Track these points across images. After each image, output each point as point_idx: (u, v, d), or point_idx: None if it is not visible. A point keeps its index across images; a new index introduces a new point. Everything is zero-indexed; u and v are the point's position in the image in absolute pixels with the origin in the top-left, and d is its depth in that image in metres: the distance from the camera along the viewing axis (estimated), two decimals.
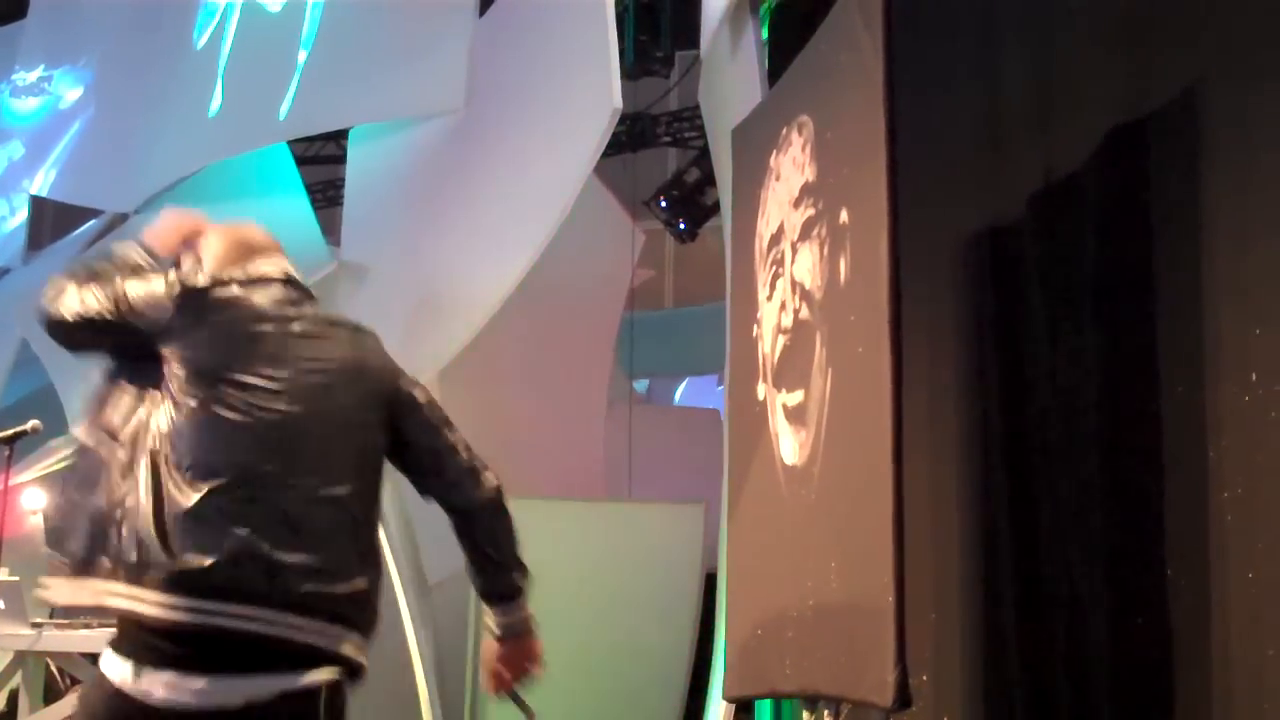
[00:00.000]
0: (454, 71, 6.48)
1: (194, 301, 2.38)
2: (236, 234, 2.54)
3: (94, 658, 2.32)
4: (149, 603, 2.20)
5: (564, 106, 5.98)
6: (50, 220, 9.86)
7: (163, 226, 2.60)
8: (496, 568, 2.56)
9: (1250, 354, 2.60)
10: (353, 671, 2.33)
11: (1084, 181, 3.18)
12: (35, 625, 4.93)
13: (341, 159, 8.32)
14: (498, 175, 6.24)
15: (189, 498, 2.23)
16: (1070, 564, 3.12)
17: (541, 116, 6.15)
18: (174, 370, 2.33)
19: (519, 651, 2.60)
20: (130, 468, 2.28)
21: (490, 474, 2.56)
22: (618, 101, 5.49)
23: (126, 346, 2.41)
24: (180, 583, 2.19)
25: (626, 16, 7.82)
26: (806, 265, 3.59)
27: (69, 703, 4.93)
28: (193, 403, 2.30)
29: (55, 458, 7.38)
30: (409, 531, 6.18)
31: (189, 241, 2.57)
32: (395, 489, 5.70)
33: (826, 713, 3.98)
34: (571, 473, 7.35)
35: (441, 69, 6.57)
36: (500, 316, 6.04)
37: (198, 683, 2.18)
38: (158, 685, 2.19)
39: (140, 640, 2.22)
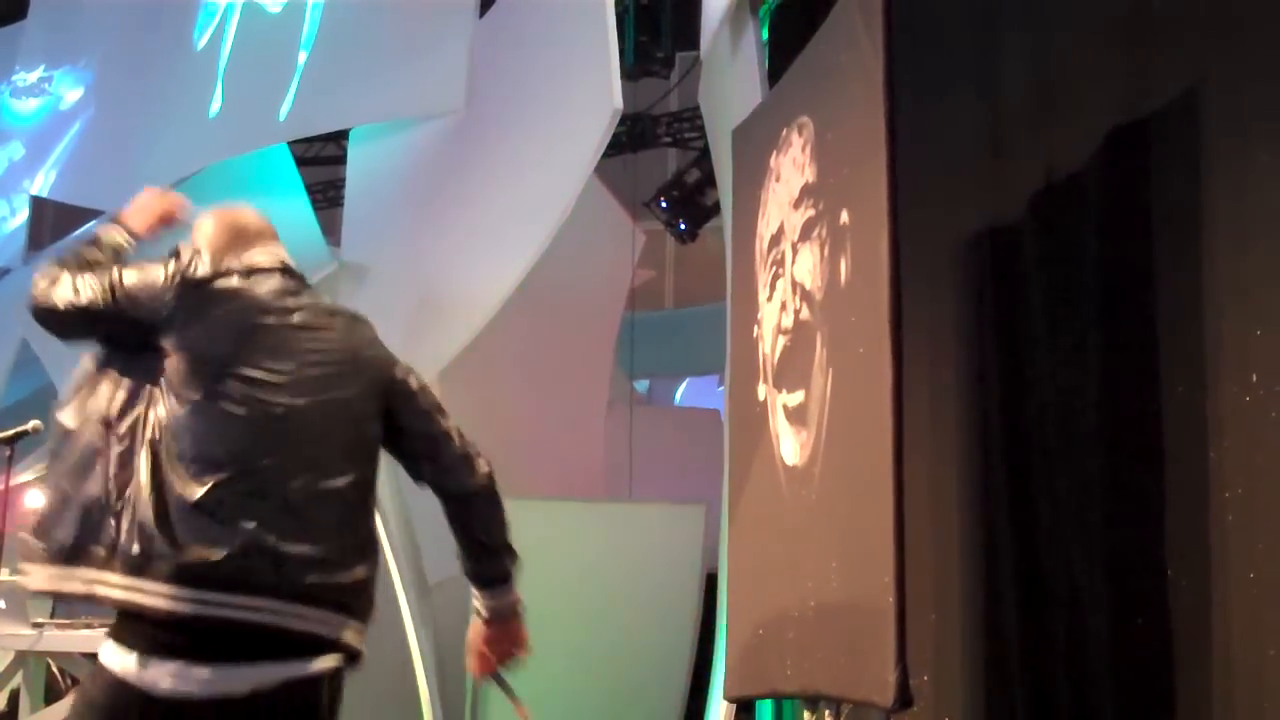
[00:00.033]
0: (454, 72, 6.47)
1: (194, 293, 2.38)
2: (231, 219, 2.53)
3: (95, 657, 2.32)
4: (153, 594, 2.20)
5: (564, 107, 5.98)
6: (50, 220, 9.83)
7: (141, 206, 2.60)
8: (488, 552, 2.58)
9: (1251, 354, 2.61)
10: (352, 658, 2.36)
11: (1084, 182, 3.18)
12: (36, 625, 4.94)
13: (342, 159, 8.32)
14: (498, 176, 6.23)
15: (193, 491, 2.23)
16: (1070, 564, 3.12)
17: (542, 117, 6.15)
18: (173, 362, 2.32)
19: (505, 634, 2.61)
20: (128, 458, 2.28)
21: (483, 460, 2.58)
22: (618, 102, 5.49)
23: (120, 336, 2.40)
24: (187, 575, 2.20)
25: (626, 17, 7.83)
26: (807, 266, 3.59)
27: (69, 703, 4.92)
28: (194, 395, 2.30)
29: None
30: (409, 532, 6.17)
31: (167, 222, 2.57)
32: (395, 489, 5.65)
33: (827, 713, 3.98)
34: (572, 473, 7.34)
35: (441, 69, 6.55)
36: (500, 316, 6.04)
37: (204, 672, 2.20)
38: (164, 675, 2.20)
39: (144, 631, 2.22)
